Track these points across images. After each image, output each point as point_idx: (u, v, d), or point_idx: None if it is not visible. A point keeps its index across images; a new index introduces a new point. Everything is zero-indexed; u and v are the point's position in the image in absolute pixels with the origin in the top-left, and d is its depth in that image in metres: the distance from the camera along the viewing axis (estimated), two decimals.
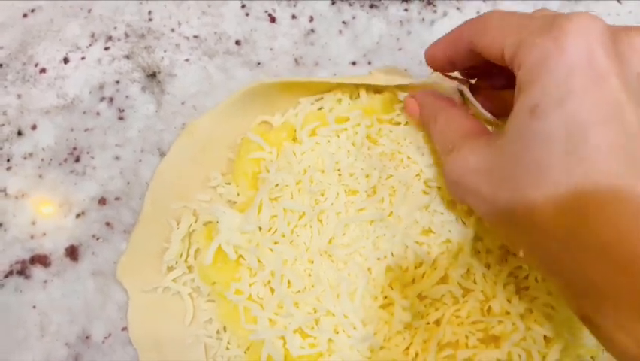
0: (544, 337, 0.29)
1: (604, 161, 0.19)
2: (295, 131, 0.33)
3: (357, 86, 0.33)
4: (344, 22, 0.40)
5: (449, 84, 0.30)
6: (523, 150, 0.21)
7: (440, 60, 0.28)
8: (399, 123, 0.33)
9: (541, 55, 0.21)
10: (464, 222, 0.30)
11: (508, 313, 0.29)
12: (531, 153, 0.21)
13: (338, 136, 0.32)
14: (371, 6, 0.40)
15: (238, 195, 0.33)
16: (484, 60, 0.25)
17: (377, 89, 0.33)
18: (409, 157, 0.32)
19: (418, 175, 0.31)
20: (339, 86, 0.33)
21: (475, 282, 0.30)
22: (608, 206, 0.19)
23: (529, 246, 0.23)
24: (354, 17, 0.40)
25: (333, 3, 0.40)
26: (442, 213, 0.30)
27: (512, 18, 0.24)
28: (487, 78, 0.30)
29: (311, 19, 0.40)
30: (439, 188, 0.31)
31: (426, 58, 0.29)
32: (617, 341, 0.20)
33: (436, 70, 0.30)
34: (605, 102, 0.20)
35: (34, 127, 0.36)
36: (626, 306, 0.19)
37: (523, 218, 0.22)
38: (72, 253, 0.33)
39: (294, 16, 0.40)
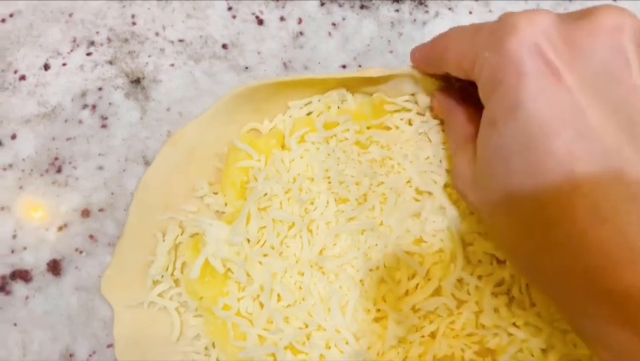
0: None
1: (562, 166, 0.19)
2: (284, 138, 0.32)
3: (347, 90, 0.32)
4: (334, 24, 0.39)
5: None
6: (488, 163, 0.22)
7: (423, 65, 0.29)
8: (389, 128, 0.32)
9: (491, 69, 0.21)
10: (455, 230, 0.29)
11: (498, 326, 0.28)
12: (493, 167, 0.21)
13: (327, 142, 0.31)
14: (361, 7, 0.39)
15: (226, 205, 0.32)
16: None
17: (367, 93, 0.32)
18: (399, 163, 0.31)
19: (408, 182, 0.31)
20: (328, 89, 0.32)
21: (468, 293, 0.29)
22: (566, 203, 0.19)
23: (512, 253, 0.23)
24: (344, 19, 0.39)
25: (322, 4, 0.39)
26: (434, 221, 0.30)
27: (465, 34, 0.23)
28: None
29: (300, 21, 0.39)
30: (429, 194, 0.30)
31: (411, 59, 0.30)
32: (598, 351, 0.20)
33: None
34: (558, 104, 0.19)
35: (13, 137, 0.35)
36: (603, 314, 0.19)
37: (499, 226, 0.22)
38: (54, 267, 0.32)
39: (282, 18, 0.39)
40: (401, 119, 0.31)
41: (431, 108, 0.31)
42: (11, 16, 0.38)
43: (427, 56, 0.28)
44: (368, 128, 0.31)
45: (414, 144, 0.31)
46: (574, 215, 0.19)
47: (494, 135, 0.21)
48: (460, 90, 0.29)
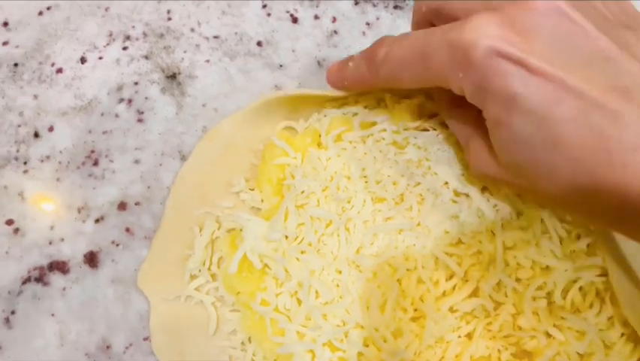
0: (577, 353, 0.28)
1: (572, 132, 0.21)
2: (320, 136, 0.32)
3: (383, 94, 0.32)
4: (368, 24, 0.39)
5: None
6: (511, 156, 0.23)
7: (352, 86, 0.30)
8: (427, 130, 0.32)
9: (472, 86, 0.23)
10: (493, 233, 0.29)
11: (536, 329, 0.28)
12: (519, 157, 0.23)
13: (364, 142, 0.31)
14: (395, 7, 0.39)
15: (262, 201, 0.32)
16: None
17: (405, 95, 0.32)
18: (436, 165, 0.31)
19: (446, 183, 0.31)
20: (364, 96, 0.32)
21: (506, 295, 0.29)
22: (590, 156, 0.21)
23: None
24: (378, 18, 0.39)
25: (356, 3, 0.39)
26: (472, 223, 0.30)
27: (413, 58, 0.25)
28: None
29: (334, 19, 0.39)
30: (467, 196, 0.30)
31: (333, 78, 0.31)
32: None
33: None
34: (542, 88, 0.21)
35: (51, 129, 0.35)
36: None
37: (559, 202, 0.24)
38: (91, 259, 0.32)
39: (316, 17, 0.39)
40: (439, 123, 0.31)
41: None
42: (49, 9, 0.38)
43: (362, 79, 0.29)
44: (405, 129, 0.31)
45: (451, 146, 0.31)
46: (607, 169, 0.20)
47: (504, 131, 0.22)
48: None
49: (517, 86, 0.21)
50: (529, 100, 0.21)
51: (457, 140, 0.31)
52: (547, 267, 0.29)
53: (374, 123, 0.32)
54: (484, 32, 0.21)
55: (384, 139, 0.31)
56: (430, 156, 0.31)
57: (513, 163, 0.23)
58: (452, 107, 0.28)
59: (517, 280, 0.29)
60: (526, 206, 0.29)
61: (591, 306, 0.28)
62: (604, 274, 0.28)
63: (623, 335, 0.28)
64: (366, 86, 0.29)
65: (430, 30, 0.24)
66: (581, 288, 0.28)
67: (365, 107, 0.33)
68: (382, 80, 0.27)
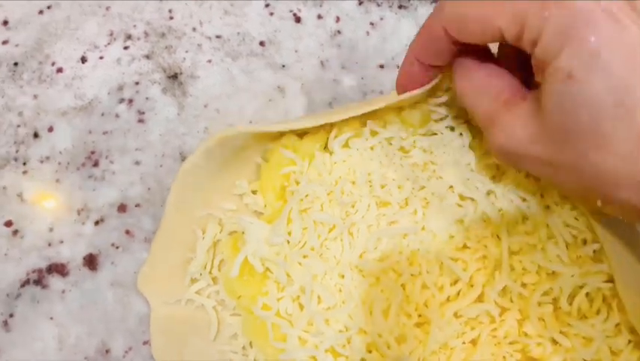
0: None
1: None
2: (327, 139, 0.32)
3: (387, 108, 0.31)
4: (372, 24, 0.38)
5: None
6: (570, 117, 0.21)
7: (417, 75, 0.27)
8: (434, 133, 0.31)
9: (558, 25, 0.21)
10: (499, 237, 0.29)
11: (541, 335, 0.28)
12: (580, 119, 0.21)
13: (372, 149, 0.31)
14: (400, 7, 0.39)
15: (265, 206, 0.31)
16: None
17: (414, 106, 0.32)
18: (442, 168, 0.30)
19: (451, 187, 0.30)
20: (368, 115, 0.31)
21: (511, 300, 0.28)
22: None
23: (604, 197, 0.23)
24: (382, 18, 0.39)
25: (360, 3, 0.39)
26: (477, 228, 0.29)
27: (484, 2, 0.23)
28: None
29: (337, 19, 0.38)
30: (472, 200, 0.30)
31: (401, 80, 0.28)
32: None
33: (411, 87, 0.28)
34: (633, 52, 0.20)
35: (50, 129, 0.35)
36: None
37: (595, 180, 0.22)
38: (91, 262, 0.32)
39: (319, 17, 0.38)
40: (446, 127, 0.31)
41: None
42: (49, 8, 0.38)
43: (429, 49, 0.26)
44: (413, 135, 0.31)
45: (456, 150, 0.31)
46: None
47: (574, 87, 0.21)
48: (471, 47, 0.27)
49: (608, 44, 0.20)
50: (614, 62, 0.20)
51: (462, 144, 0.31)
52: (554, 272, 0.28)
53: (383, 127, 0.31)
54: None
55: (391, 145, 0.31)
56: (436, 159, 0.31)
57: (568, 127, 0.22)
58: (483, 74, 0.26)
59: (523, 285, 0.28)
60: (531, 211, 0.29)
61: (598, 312, 0.28)
62: (610, 280, 0.28)
63: (630, 342, 0.28)
64: (431, 46, 0.26)
65: None
66: (587, 294, 0.28)
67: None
68: (450, 20, 0.24)
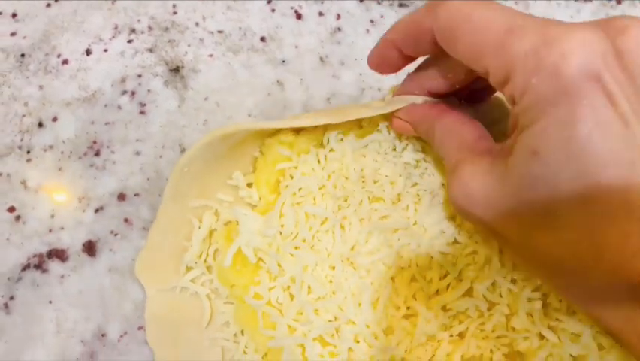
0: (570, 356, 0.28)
1: (616, 193, 0.18)
2: (322, 135, 0.32)
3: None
4: (372, 21, 0.39)
5: (414, 99, 0.28)
6: (526, 191, 0.20)
7: (392, 58, 0.26)
8: None
9: (538, 96, 0.19)
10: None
11: (529, 330, 0.28)
12: (535, 197, 0.20)
13: (365, 147, 0.31)
14: (400, 5, 0.39)
15: (260, 199, 0.32)
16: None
17: None
18: (434, 166, 0.31)
19: (443, 184, 0.31)
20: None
21: (500, 295, 0.29)
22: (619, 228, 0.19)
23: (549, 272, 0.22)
24: (382, 16, 0.39)
25: (361, 1, 0.39)
26: (469, 224, 0.30)
27: (488, 27, 0.20)
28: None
29: (338, 16, 0.39)
30: None
31: (374, 59, 0.27)
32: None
33: (382, 69, 0.28)
34: (614, 135, 0.18)
35: (54, 119, 0.36)
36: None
37: (543, 259, 0.21)
38: (90, 248, 0.33)
39: (320, 14, 0.39)
40: None
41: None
42: (56, 1, 0.39)
43: (410, 40, 0.25)
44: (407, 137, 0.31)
45: None
46: (628, 240, 0.19)
47: (536, 165, 0.19)
48: (437, 103, 0.27)
49: (590, 125, 0.18)
50: (594, 145, 0.18)
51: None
52: None
53: (376, 126, 0.31)
54: (593, 50, 0.18)
55: (386, 140, 0.31)
56: (429, 157, 0.31)
57: (520, 197, 0.20)
58: (447, 123, 0.26)
59: (513, 281, 0.29)
60: None
61: None
62: None
63: None
64: (410, 45, 0.25)
65: (523, 12, 0.21)
66: None
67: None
68: (440, 28, 0.22)
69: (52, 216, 0.33)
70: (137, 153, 0.35)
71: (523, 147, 0.20)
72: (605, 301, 0.21)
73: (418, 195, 0.30)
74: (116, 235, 0.33)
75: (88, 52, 0.38)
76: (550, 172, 0.19)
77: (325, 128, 0.32)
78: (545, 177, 0.19)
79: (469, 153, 0.24)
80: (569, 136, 0.18)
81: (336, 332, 0.28)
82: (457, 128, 0.25)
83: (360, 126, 0.32)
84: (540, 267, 0.22)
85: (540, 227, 0.20)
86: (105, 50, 0.38)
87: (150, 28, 0.38)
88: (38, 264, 0.32)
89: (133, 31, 0.38)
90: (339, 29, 0.39)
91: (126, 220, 0.33)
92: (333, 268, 0.29)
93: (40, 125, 0.36)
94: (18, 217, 0.33)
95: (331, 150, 0.31)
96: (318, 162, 0.31)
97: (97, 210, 0.34)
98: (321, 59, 0.38)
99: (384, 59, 0.27)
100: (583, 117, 0.18)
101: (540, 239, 0.21)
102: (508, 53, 0.20)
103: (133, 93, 0.36)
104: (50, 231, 0.33)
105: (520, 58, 0.20)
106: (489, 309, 0.28)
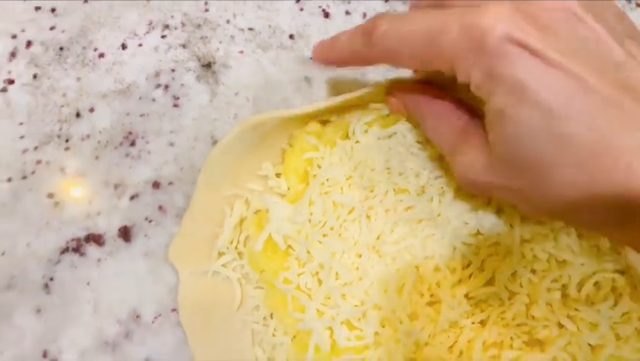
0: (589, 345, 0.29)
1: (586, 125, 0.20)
2: (349, 127, 0.33)
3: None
4: None
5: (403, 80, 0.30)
6: (512, 152, 0.22)
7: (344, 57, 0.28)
8: None
9: (482, 71, 0.22)
10: (512, 225, 0.30)
11: (548, 318, 0.29)
12: (520, 153, 0.22)
13: (390, 137, 0.33)
14: None
15: (288, 189, 0.33)
16: None
17: None
18: None
19: None
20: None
21: (521, 285, 0.30)
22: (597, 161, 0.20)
23: (565, 221, 0.25)
24: None
25: (386, 1, 0.41)
26: (491, 216, 0.31)
27: (418, 36, 0.23)
28: None
29: (364, 15, 0.40)
30: None
31: (320, 52, 0.29)
32: None
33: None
34: (555, 81, 0.20)
35: (92, 110, 0.37)
36: None
37: (550, 205, 0.23)
38: (125, 233, 0.34)
39: (347, 13, 0.40)
40: None
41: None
42: None
43: (354, 50, 0.27)
44: None
45: None
46: (610, 171, 0.20)
47: (509, 124, 0.22)
48: (420, 84, 0.29)
49: (530, 77, 0.21)
50: (541, 92, 0.21)
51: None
52: (564, 261, 0.29)
53: (399, 119, 0.33)
54: (503, 18, 0.21)
55: (410, 133, 0.32)
56: None
57: (512, 160, 0.23)
58: (437, 110, 0.28)
59: (533, 271, 0.30)
60: None
61: (605, 299, 0.29)
62: (622, 271, 0.29)
63: (637, 329, 0.29)
64: (357, 61, 0.27)
65: (441, 10, 0.23)
66: (596, 283, 0.29)
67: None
68: (378, 54, 0.26)
69: (90, 202, 0.35)
70: (171, 144, 0.36)
71: (493, 115, 0.23)
72: (623, 222, 0.21)
73: (442, 187, 0.31)
74: (150, 221, 0.34)
75: (123, 46, 0.39)
76: (522, 125, 0.21)
77: (350, 118, 0.33)
78: (520, 132, 0.22)
79: (461, 134, 0.26)
80: (520, 95, 0.21)
81: (363, 316, 0.29)
82: (449, 115, 0.27)
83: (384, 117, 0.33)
84: (556, 210, 0.23)
85: (538, 176, 0.22)
86: (140, 45, 0.39)
87: (183, 24, 0.40)
88: (76, 248, 0.34)
89: (166, 27, 0.40)
90: None
91: (160, 208, 0.35)
92: (360, 255, 0.30)
93: (78, 115, 0.37)
94: (57, 203, 0.35)
95: (357, 142, 0.33)
96: (345, 153, 0.32)
97: (132, 198, 0.35)
98: None
99: (345, 53, 0.28)
100: (527, 76, 0.21)
101: (543, 186, 0.22)
102: (442, 51, 0.23)
103: (166, 87, 0.38)
104: (88, 216, 0.35)
105: (451, 51, 0.22)
106: (510, 298, 0.30)
